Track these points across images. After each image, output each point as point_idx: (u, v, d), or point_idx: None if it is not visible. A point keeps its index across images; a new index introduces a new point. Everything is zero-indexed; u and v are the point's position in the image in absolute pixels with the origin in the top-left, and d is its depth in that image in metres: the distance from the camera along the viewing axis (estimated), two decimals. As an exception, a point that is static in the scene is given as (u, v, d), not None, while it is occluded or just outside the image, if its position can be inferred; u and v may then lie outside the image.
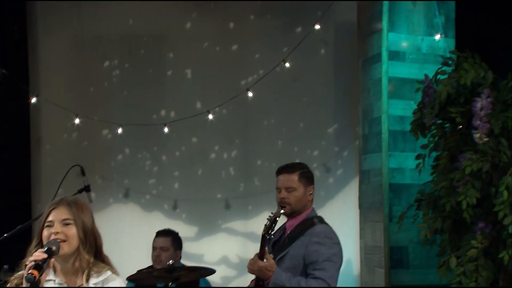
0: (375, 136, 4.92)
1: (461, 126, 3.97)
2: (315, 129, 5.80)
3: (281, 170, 3.69)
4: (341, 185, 5.75)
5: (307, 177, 3.70)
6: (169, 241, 4.79)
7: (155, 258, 4.71)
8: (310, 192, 3.68)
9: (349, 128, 5.72)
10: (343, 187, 5.74)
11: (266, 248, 3.46)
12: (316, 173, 5.46)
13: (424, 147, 4.18)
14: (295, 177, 3.63)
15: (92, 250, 2.63)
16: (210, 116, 5.40)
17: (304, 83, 5.77)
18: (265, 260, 3.39)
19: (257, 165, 5.74)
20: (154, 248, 4.76)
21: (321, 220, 3.68)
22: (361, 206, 5.18)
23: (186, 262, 4.96)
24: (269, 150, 5.73)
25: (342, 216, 5.44)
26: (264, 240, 3.45)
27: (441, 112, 3.99)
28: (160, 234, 4.82)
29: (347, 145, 5.76)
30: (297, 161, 4.51)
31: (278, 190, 3.65)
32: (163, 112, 5.76)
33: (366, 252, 5.02)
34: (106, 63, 5.75)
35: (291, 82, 5.69)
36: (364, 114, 5.14)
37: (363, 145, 5.15)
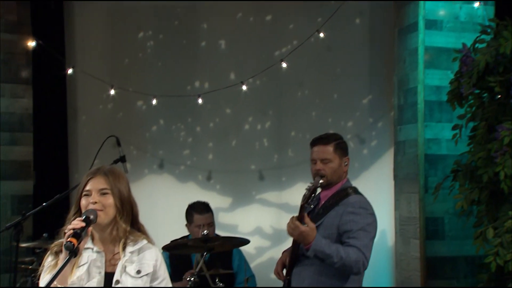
0: (411, 106, 4.86)
1: (499, 96, 3.91)
2: (349, 100, 5.76)
3: (316, 142, 3.67)
4: (375, 156, 5.71)
5: (342, 148, 3.67)
6: (212, 215, 4.80)
7: (196, 232, 4.64)
8: (346, 163, 3.66)
9: (384, 99, 5.66)
10: (378, 158, 5.70)
11: (306, 213, 3.46)
12: (350, 145, 5.41)
13: (461, 117, 4.12)
14: (330, 148, 3.61)
15: (129, 219, 2.66)
16: (244, 87, 5.39)
17: (339, 54, 5.71)
18: (305, 225, 3.39)
19: (291, 137, 5.73)
20: (200, 226, 4.72)
21: (355, 191, 3.66)
22: (396, 177, 5.14)
23: (220, 232, 4.99)
24: (303, 121, 5.70)
25: (377, 187, 5.41)
26: (303, 210, 3.46)
27: (479, 81, 3.92)
28: (203, 210, 4.75)
29: (381, 116, 5.70)
30: (330, 132, 4.48)
31: (313, 161, 3.63)
32: (197, 84, 5.77)
33: (401, 223, 5.00)
34: (141, 34, 5.77)
35: (325, 52, 5.64)
36: (400, 84, 5.08)
37: (398, 115, 5.09)
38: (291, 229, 3.42)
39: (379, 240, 4.97)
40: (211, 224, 4.73)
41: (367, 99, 5.75)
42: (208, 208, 4.80)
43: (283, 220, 5.27)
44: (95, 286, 2.55)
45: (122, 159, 4.26)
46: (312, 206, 3.56)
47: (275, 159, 5.73)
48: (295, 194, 3.65)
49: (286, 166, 5.73)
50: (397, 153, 5.13)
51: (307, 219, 3.41)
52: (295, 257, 3.56)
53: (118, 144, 4.26)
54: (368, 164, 5.68)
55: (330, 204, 3.57)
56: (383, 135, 5.67)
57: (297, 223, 3.38)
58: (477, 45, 4.02)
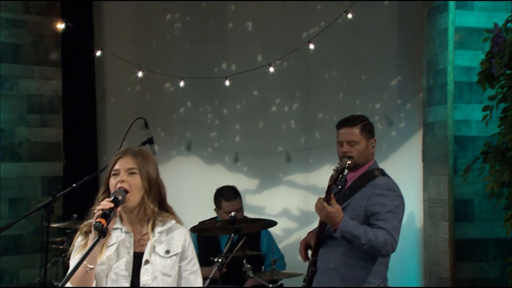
0: (440, 87, 4.80)
1: (531, 76, 3.84)
2: (377, 82, 5.70)
3: (342, 124, 3.64)
4: (404, 138, 5.66)
5: (369, 130, 3.64)
6: (240, 200, 4.80)
7: (224, 216, 4.64)
8: (372, 144, 3.63)
9: (412, 80, 5.60)
10: (406, 140, 5.65)
11: (333, 195, 3.45)
12: (378, 126, 5.40)
13: (491, 98, 4.06)
14: (356, 130, 3.58)
15: (157, 200, 2.68)
16: (271, 69, 5.37)
17: (367, 35, 5.65)
18: (332, 207, 3.38)
19: (318, 118, 5.71)
20: (229, 212, 4.71)
21: (382, 172, 3.63)
22: (425, 159, 5.10)
23: (247, 214, 5.01)
24: (330, 103, 5.67)
25: (405, 169, 5.37)
26: (330, 191, 3.45)
27: (511, 62, 3.85)
28: (231, 197, 4.75)
29: (410, 98, 5.64)
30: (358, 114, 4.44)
31: (340, 143, 3.61)
32: (224, 65, 5.76)
33: (429, 205, 4.96)
34: (168, 16, 5.77)
35: (353, 33, 5.58)
36: (429, 65, 5.02)
37: (427, 97, 5.04)
38: (319, 210, 3.41)
39: (407, 222, 4.96)
40: (239, 210, 4.73)
41: (396, 81, 5.69)
42: (236, 193, 4.79)
43: (311, 202, 5.26)
44: (123, 265, 2.58)
45: (150, 141, 4.28)
46: (339, 187, 3.55)
47: (302, 141, 5.71)
48: (323, 176, 3.64)
49: (314, 148, 5.72)
50: (426, 135, 5.08)
51: (333, 201, 3.40)
52: (321, 238, 3.55)
53: (146, 126, 4.27)
54: (396, 146, 5.64)
55: (357, 186, 3.56)
56: (412, 117, 5.61)
57: (324, 204, 3.38)
58: (509, 24, 3.95)
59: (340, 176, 3.49)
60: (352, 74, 5.70)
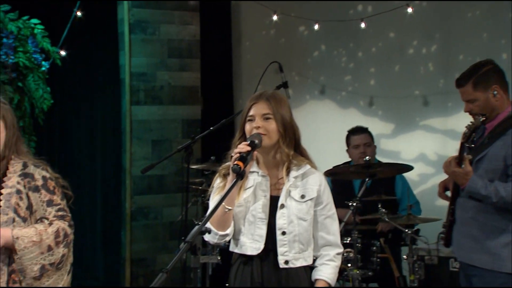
0: None
1: None
2: (525, 20, 5.33)
3: (456, 85, 3.42)
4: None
5: (484, 80, 3.34)
6: (369, 136, 4.78)
7: (360, 155, 4.67)
8: (495, 92, 3.33)
9: None
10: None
11: (465, 154, 3.30)
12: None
13: None
14: (468, 88, 3.34)
15: (292, 144, 2.70)
16: (409, 10, 5.18)
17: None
18: (463, 167, 3.24)
19: (459, 60, 5.44)
20: (356, 146, 4.74)
21: (524, 117, 3.39)
22: None
23: (382, 159, 4.95)
24: (472, 44, 5.38)
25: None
26: (463, 148, 3.29)
27: None
28: (359, 131, 4.78)
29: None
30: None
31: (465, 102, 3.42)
32: (359, 7, 5.63)
33: None
34: (302, -42, 5.69)
35: (500, -32, 5.23)
36: None
37: None
38: (445, 166, 3.30)
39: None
40: (368, 144, 4.71)
41: (546, 19, 5.29)
42: (364, 129, 4.78)
43: (448, 146, 5.12)
44: (260, 208, 2.65)
45: (284, 85, 4.30)
46: (473, 145, 3.36)
47: (441, 84, 5.50)
48: (461, 120, 3.47)
49: (453, 91, 5.42)
50: None
51: (466, 162, 3.24)
52: (458, 187, 3.43)
53: (281, 70, 4.29)
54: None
55: (496, 134, 3.36)
56: None
57: (452, 160, 3.25)
58: None
59: (473, 133, 3.31)
60: (498, 12, 5.35)
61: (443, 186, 3.59)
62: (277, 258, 2.62)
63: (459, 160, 3.26)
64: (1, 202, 2.61)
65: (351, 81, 5.80)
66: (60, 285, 2.68)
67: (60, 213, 2.70)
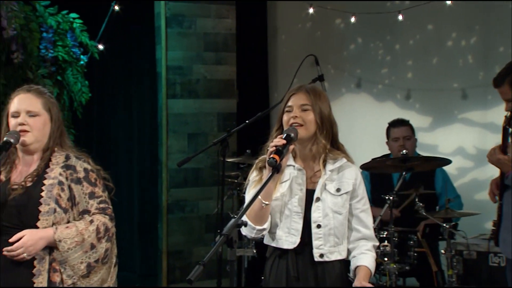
0: None
1: None
2: None
3: (493, 84, 3.32)
4: None
5: None
6: (409, 129, 4.73)
7: (398, 148, 4.63)
8: None
9: None
10: None
11: (509, 141, 3.23)
12: None
13: None
14: (505, 88, 3.23)
15: (329, 137, 2.69)
16: (448, 2, 5.10)
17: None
18: (509, 154, 3.18)
19: (499, 53, 5.33)
20: (395, 139, 4.70)
21: None
22: None
23: (420, 152, 4.89)
24: (513, 35, 5.27)
25: None
26: (506, 132, 3.23)
27: None
28: (398, 124, 4.74)
29: None
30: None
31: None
32: (397, -1, 5.56)
33: None
34: (337, -49, 5.65)
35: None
36: None
37: None
38: (489, 155, 3.24)
39: None
40: (407, 138, 4.66)
41: None
42: (405, 122, 4.74)
43: (488, 140, 5.03)
44: (296, 202, 2.64)
45: (320, 78, 4.27)
46: None
47: (480, 77, 5.40)
48: (501, 114, 3.40)
49: (493, 84, 5.40)
50: None
51: (510, 148, 3.18)
52: (503, 180, 3.36)
53: (317, 63, 4.26)
54: None
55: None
56: None
57: (496, 148, 3.19)
58: None
59: None
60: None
61: (495, 184, 3.45)
62: (312, 251, 2.61)
63: (503, 147, 3.20)
64: (44, 192, 2.65)
65: (388, 74, 5.74)
66: (109, 278, 2.73)
67: (102, 205, 2.73)
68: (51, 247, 2.62)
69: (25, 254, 2.56)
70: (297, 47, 5.66)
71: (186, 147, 5.47)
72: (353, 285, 2.59)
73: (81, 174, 2.74)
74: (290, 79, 4.14)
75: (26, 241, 2.56)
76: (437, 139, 5.50)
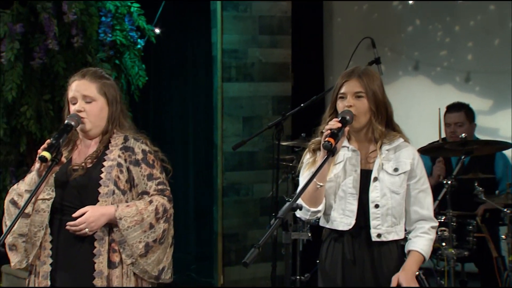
0: None
1: None
2: None
3: None
4: None
5: None
6: (463, 115, 4.61)
7: (450, 134, 4.56)
8: None
9: None
10: None
11: None
12: None
13: None
14: None
15: (384, 121, 2.65)
16: (511, -20, 4.94)
17: None
18: None
19: None
20: (448, 124, 4.62)
21: None
22: None
23: (480, 136, 4.78)
24: None
25: None
26: None
27: None
28: (452, 109, 4.64)
29: None
30: None
31: None
32: (456, -21, 5.43)
33: None
34: None
35: None
36: None
37: None
38: None
39: None
40: (459, 124, 4.56)
41: None
42: (458, 107, 4.62)
43: (551, 124, 4.87)
44: (351, 183, 2.62)
45: (377, 61, 4.21)
46: None
47: (544, 58, 5.24)
48: None
49: (557, 66, 5.22)
50: None
51: None
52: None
53: (373, 45, 4.20)
54: None
55: None
56: None
57: None
58: None
59: None
60: None
61: None
62: (369, 232, 2.59)
63: None
64: (103, 174, 2.69)
65: (446, 56, 5.62)
66: (164, 258, 2.76)
67: (160, 186, 2.76)
68: (110, 228, 2.67)
69: (87, 230, 2.61)
70: (353, 30, 5.59)
71: (241, 131, 5.49)
72: (392, 278, 2.56)
73: (140, 156, 2.76)
74: (345, 62, 4.10)
75: (89, 217, 2.61)
76: (498, 123, 5.36)
